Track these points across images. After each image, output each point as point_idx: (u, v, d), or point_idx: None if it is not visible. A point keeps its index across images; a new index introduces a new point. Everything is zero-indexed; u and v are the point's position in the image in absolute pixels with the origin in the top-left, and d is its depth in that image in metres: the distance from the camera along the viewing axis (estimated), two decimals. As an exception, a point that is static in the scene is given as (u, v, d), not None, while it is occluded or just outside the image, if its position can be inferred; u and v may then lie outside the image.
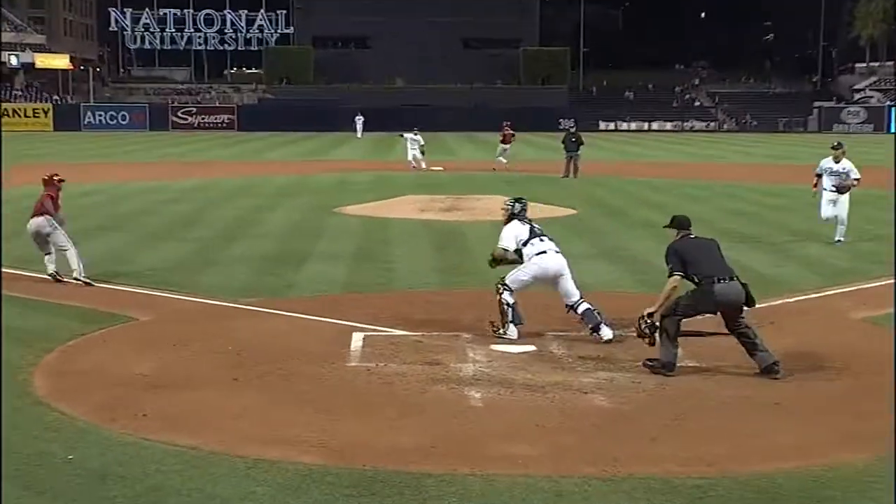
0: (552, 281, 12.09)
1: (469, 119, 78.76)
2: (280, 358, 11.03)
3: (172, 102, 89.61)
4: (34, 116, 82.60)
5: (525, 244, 12.17)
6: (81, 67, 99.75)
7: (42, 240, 16.13)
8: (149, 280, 15.85)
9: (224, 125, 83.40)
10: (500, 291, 12.00)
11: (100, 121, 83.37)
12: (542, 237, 12.26)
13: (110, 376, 10.38)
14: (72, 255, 15.98)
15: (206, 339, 11.98)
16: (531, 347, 11.56)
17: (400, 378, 10.30)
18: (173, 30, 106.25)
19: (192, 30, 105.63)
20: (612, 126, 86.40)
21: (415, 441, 8.43)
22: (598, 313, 11.89)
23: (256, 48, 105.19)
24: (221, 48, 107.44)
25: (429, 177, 36.46)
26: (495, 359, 11.10)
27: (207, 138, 69.67)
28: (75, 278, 15.68)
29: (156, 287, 15.31)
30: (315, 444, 8.31)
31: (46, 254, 16.18)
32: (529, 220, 12.48)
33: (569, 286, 12.06)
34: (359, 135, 69.42)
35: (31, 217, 16.18)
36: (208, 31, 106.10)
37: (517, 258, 12.23)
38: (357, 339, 11.86)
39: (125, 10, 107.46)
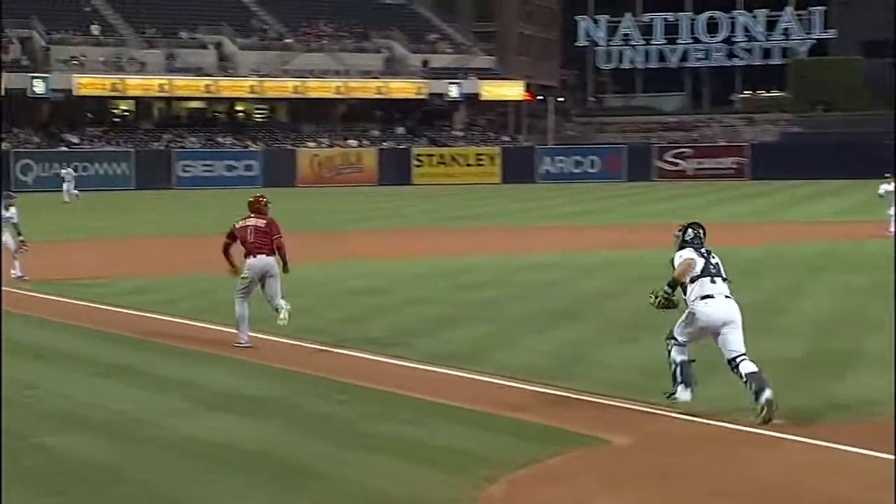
0: (716, 331, 14.23)
1: None
2: (811, 508, 10.83)
3: (659, 141, 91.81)
4: (478, 165, 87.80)
5: (693, 280, 14.23)
6: (539, 97, 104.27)
7: (259, 283, 19.03)
8: (621, 388, 16.19)
9: (730, 172, 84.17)
10: (669, 347, 14.38)
11: (560, 168, 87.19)
12: (716, 278, 14.28)
13: (576, 521, 10.69)
14: (283, 305, 18.93)
15: (704, 475, 12.04)
16: None
17: None
18: (663, 41, 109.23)
19: (688, 40, 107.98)
20: None
21: None
22: (763, 376, 13.76)
23: (779, 62, 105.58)
24: (729, 64, 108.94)
25: None
26: None
27: (706, 191, 70.54)
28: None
29: (632, 399, 15.59)
30: None
31: (241, 297, 18.93)
32: (707, 253, 14.48)
33: (734, 337, 14.16)
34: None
35: (257, 254, 18.87)
36: (711, 40, 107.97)
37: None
38: (922, 485, 11.46)
39: (598, 16, 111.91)
